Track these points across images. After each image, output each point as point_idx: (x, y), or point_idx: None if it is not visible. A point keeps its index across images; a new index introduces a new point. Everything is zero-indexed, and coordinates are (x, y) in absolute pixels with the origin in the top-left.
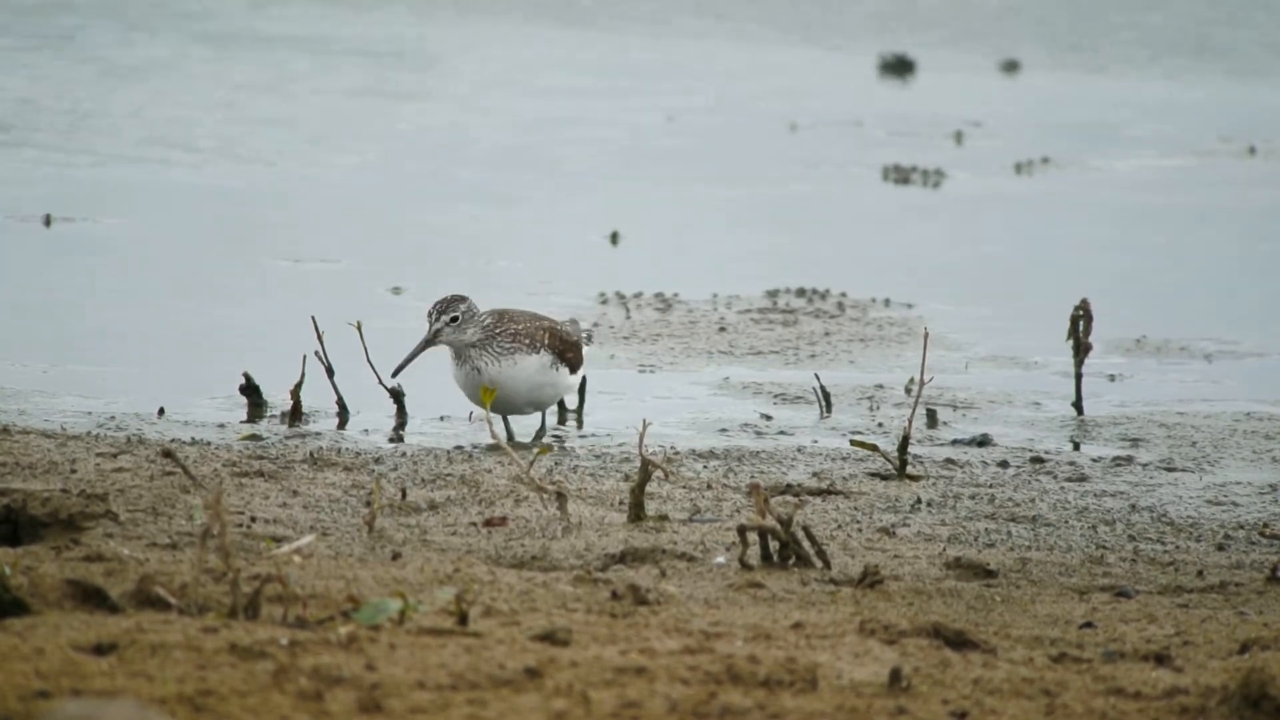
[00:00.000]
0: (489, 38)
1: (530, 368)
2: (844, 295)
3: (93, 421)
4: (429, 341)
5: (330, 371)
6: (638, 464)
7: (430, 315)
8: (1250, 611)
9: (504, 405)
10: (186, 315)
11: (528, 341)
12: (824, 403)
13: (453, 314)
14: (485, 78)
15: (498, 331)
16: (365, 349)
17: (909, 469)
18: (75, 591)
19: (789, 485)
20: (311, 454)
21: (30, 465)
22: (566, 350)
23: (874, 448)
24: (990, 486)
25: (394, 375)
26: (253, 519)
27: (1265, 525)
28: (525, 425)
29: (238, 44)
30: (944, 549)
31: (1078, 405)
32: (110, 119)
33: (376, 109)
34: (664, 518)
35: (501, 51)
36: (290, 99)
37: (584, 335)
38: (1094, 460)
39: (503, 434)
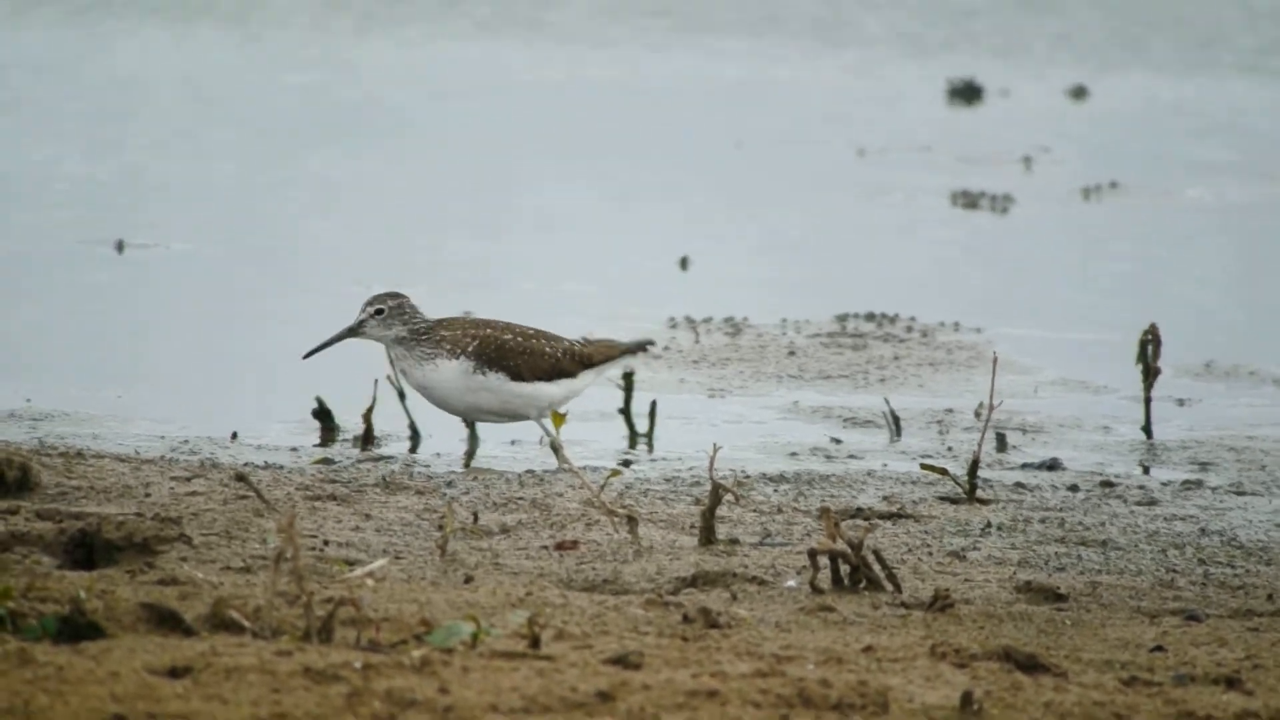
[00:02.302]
0: (552, 58)
1: (449, 373)
2: (913, 320)
3: (166, 446)
4: (351, 331)
5: (402, 395)
6: (708, 488)
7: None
8: None
9: (448, 410)
10: (258, 340)
11: (449, 347)
12: (894, 427)
13: (379, 306)
14: (547, 99)
15: (425, 335)
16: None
17: (979, 493)
18: (150, 615)
19: (859, 509)
20: (384, 478)
21: (105, 489)
22: (505, 358)
23: (944, 471)
24: (1060, 510)
25: (306, 357)
26: (325, 542)
27: None
28: (597, 449)
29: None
30: (1014, 573)
31: (1147, 429)
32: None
33: (436, 123)
34: (735, 541)
35: (562, 72)
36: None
37: (639, 347)
38: (1163, 484)
39: (567, 458)
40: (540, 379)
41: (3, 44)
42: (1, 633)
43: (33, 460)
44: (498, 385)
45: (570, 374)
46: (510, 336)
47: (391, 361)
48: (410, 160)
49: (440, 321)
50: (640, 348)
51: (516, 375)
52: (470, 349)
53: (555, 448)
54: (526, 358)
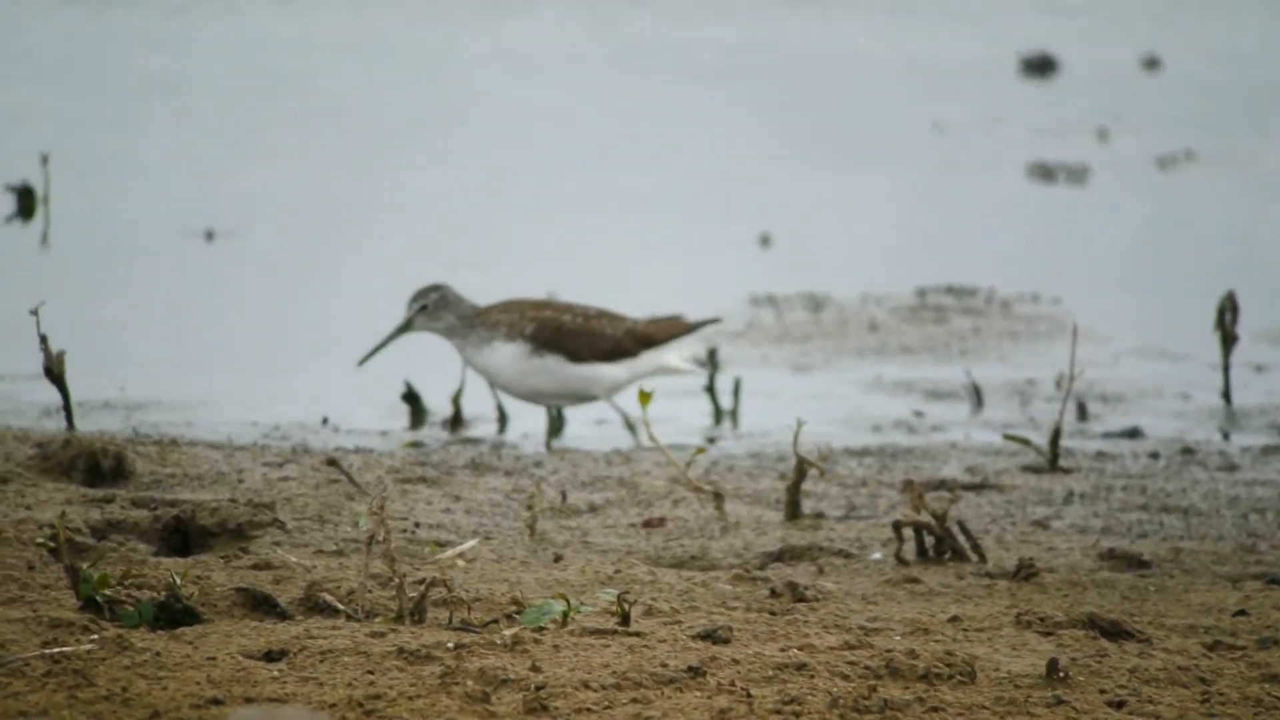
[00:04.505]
0: (616, 26)
1: (507, 357)
2: (992, 292)
3: (258, 432)
4: (401, 329)
5: None
6: (793, 462)
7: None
8: None
9: (510, 394)
10: (347, 326)
11: (505, 330)
12: (975, 398)
13: (423, 302)
14: (611, 73)
15: (477, 321)
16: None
17: (1061, 462)
18: (245, 599)
19: (943, 480)
20: (472, 459)
21: (198, 476)
22: (563, 340)
23: (1026, 441)
24: (1141, 478)
25: (361, 364)
26: (416, 524)
27: None
28: (683, 426)
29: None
30: (1097, 540)
31: (1226, 395)
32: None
33: (501, 106)
34: (820, 515)
35: (626, 42)
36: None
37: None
38: (1243, 450)
39: (654, 436)
40: (600, 360)
41: (46, 28)
42: (99, 620)
43: (127, 449)
44: (556, 368)
45: (632, 354)
46: (569, 317)
47: (458, 350)
48: (481, 142)
49: (495, 305)
50: (706, 326)
51: (576, 357)
52: (528, 331)
53: (630, 425)
54: (585, 339)
